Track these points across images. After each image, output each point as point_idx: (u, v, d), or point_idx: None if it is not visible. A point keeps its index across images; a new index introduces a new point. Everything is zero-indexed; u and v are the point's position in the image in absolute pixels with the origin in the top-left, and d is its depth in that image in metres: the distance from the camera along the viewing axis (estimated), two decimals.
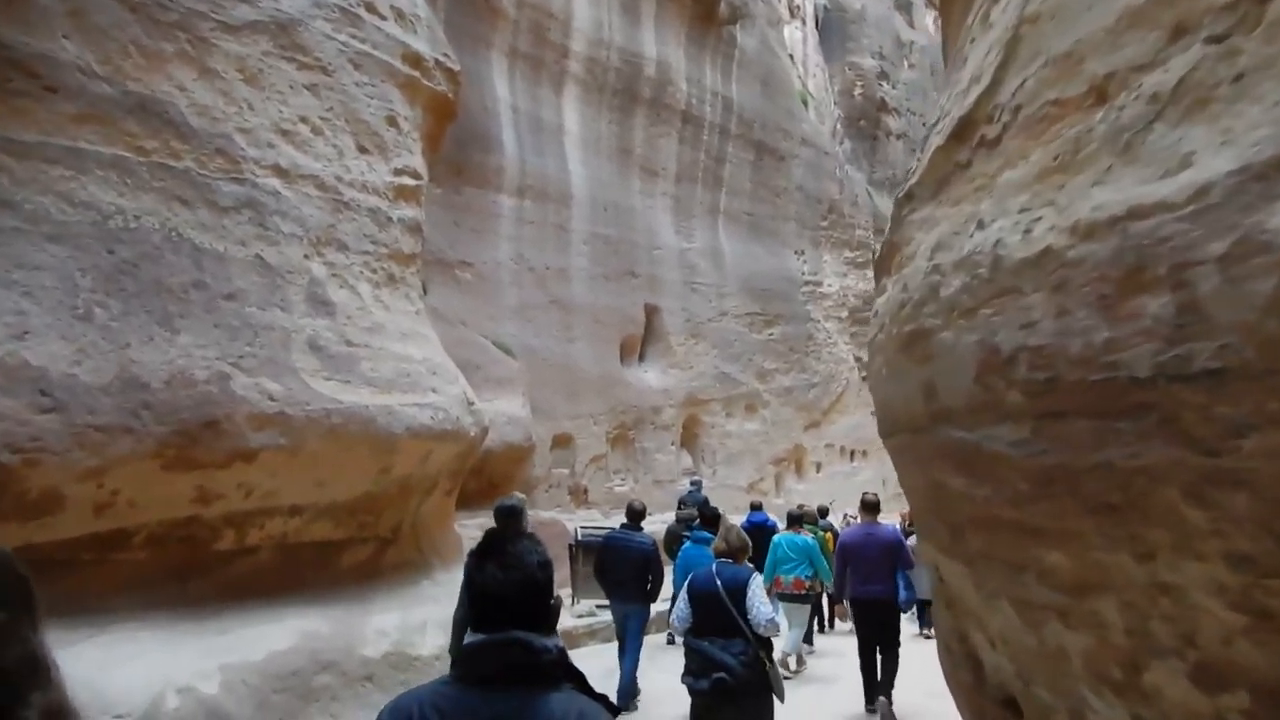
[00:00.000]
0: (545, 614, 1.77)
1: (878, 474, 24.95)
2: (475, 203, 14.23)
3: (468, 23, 14.14)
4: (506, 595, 1.72)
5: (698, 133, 19.52)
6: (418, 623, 6.60)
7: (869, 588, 7.01)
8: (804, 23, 25.70)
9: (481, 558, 1.81)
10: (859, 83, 26.87)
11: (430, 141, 8.44)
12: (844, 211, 24.81)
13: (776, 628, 4.59)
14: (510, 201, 14.94)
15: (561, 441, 15.05)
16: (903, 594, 7.25)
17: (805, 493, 20.85)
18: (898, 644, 7.05)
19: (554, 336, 15.34)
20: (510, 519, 5.58)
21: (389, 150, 7.36)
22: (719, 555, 4.89)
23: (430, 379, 7.17)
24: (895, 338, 2.70)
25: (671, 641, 9.00)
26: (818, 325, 23.11)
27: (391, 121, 7.44)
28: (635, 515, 7.77)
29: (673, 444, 17.85)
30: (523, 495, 6.85)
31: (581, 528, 10.80)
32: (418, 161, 7.83)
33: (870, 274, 25.99)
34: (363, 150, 7.12)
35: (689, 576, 4.89)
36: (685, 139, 19.23)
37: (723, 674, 4.32)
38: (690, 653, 4.59)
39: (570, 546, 10.71)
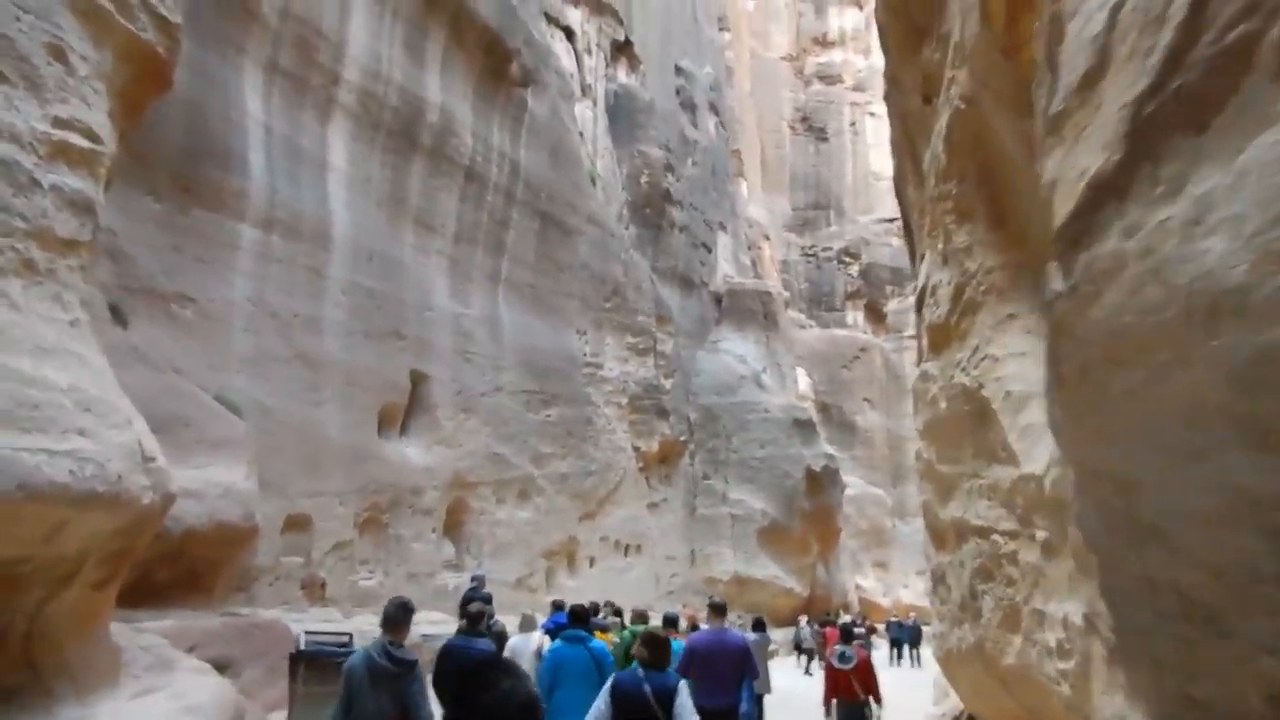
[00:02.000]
0: None
1: (650, 570, 23.84)
2: (205, 228, 11.74)
3: (216, 19, 11.95)
4: None
5: (482, 192, 18.10)
6: None
7: (717, 700, 6.16)
8: (595, 104, 25.44)
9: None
10: (646, 170, 26.89)
11: (126, 107, 6.30)
12: (628, 295, 24.23)
13: None
14: (253, 233, 12.56)
15: (296, 524, 12.44)
16: (745, 705, 6.43)
17: (577, 590, 19.13)
18: None
19: (296, 397, 12.89)
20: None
21: (46, 89, 5.20)
22: (644, 662, 4.76)
23: (77, 417, 4.91)
24: None
25: None
26: (597, 410, 21.95)
27: (57, 54, 5.30)
28: (475, 618, 6.55)
29: (434, 531, 15.60)
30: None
31: (307, 633, 8.40)
32: (98, 120, 5.68)
33: (650, 362, 25.55)
34: None
35: (612, 680, 4.78)
36: (468, 197, 17.72)
37: None
38: None
39: (291, 658, 8.26)
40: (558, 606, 9.60)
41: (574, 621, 6.79)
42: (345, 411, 13.73)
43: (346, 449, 13.60)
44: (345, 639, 8.17)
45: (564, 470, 19.92)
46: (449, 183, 17.17)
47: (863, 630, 21.85)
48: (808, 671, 21.17)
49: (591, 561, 20.94)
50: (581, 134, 24.02)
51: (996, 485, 4.83)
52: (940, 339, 6.04)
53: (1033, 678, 4.22)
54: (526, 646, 8.17)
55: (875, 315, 41.30)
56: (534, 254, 20.02)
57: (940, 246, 6.07)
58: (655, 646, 4.79)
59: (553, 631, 8.31)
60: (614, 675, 4.88)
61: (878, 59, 42.54)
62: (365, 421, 14.20)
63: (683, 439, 26.47)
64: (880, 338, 40.34)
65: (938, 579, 6.71)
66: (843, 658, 8.60)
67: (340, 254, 14.11)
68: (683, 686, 4.71)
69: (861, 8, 43.24)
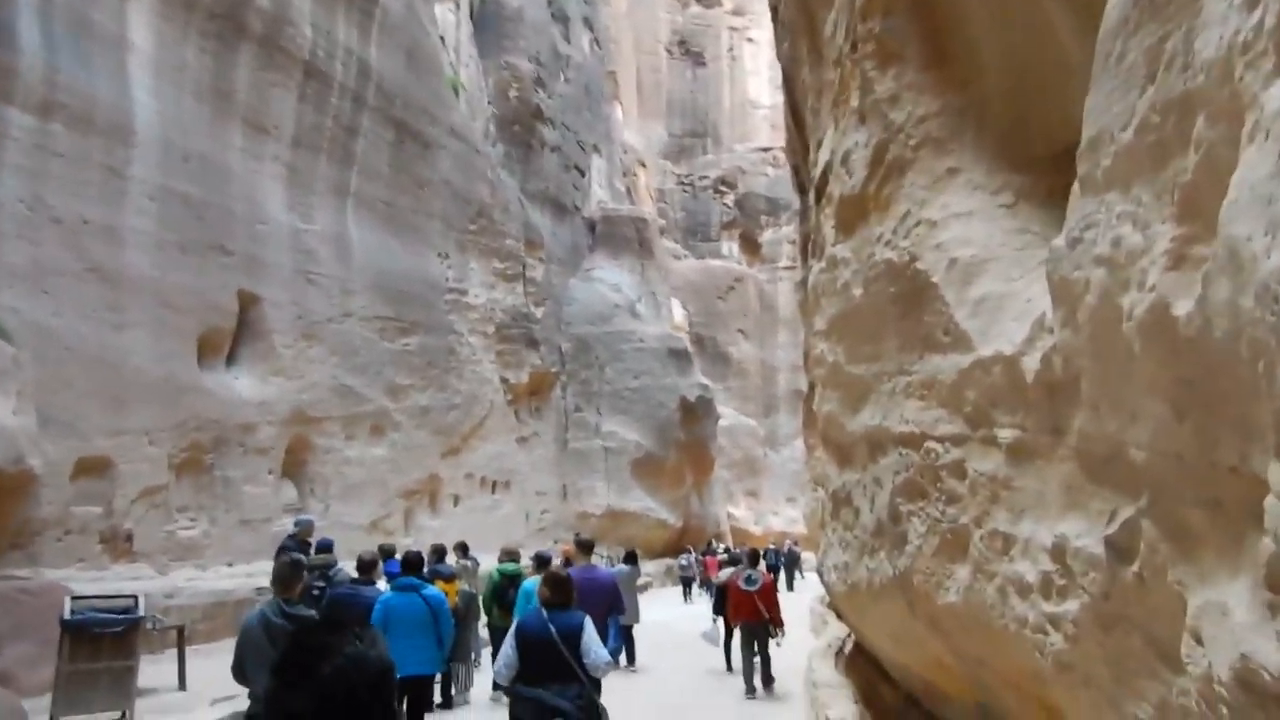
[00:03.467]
0: None
1: (520, 507, 22.74)
2: None
3: None
4: None
5: (324, 93, 15.96)
6: None
7: None
8: (458, 7, 23.21)
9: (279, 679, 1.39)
10: (515, 84, 24.97)
11: None
12: (495, 217, 22.54)
13: (614, 665, 4.88)
14: (24, 119, 10.31)
15: (92, 467, 10.55)
16: (612, 642, 6.51)
17: (439, 530, 17.84)
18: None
19: (90, 318, 10.85)
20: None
21: None
22: (546, 603, 4.70)
23: None
24: None
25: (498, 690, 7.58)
26: (461, 339, 20.39)
27: None
28: (369, 565, 6.70)
29: (271, 472, 13.88)
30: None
31: (74, 598, 6.77)
32: None
33: (519, 289, 24.03)
34: None
35: (517, 623, 4.74)
36: (307, 97, 15.58)
37: (560, 718, 4.33)
38: (521, 701, 4.48)
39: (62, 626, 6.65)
40: (386, 553, 8.31)
41: (406, 569, 6.54)
42: (156, 337, 11.76)
43: (158, 381, 11.68)
44: (129, 603, 6.64)
45: (424, 403, 18.39)
46: (284, 79, 14.98)
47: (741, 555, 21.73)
48: (686, 599, 21.66)
49: (456, 500, 19.63)
50: (443, 39, 21.87)
51: (934, 380, 3.85)
52: (853, 215, 5.02)
53: (986, 621, 3.30)
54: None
55: (750, 246, 40.94)
56: (388, 167, 18.06)
57: (855, 104, 5.00)
58: (558, 585, 4.69)
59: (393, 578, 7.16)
60: (519, 619, 4.85)
61: None
62: (182, 349, 12.25)
63: (554, 370, 25.27)
64: (755, 268, 40.07)
65: (840, 501, 5.83)
66: (749, 580, 9.01)
67: (145, 152, 11.94)
68: (587, 623, 4.66)
69: None
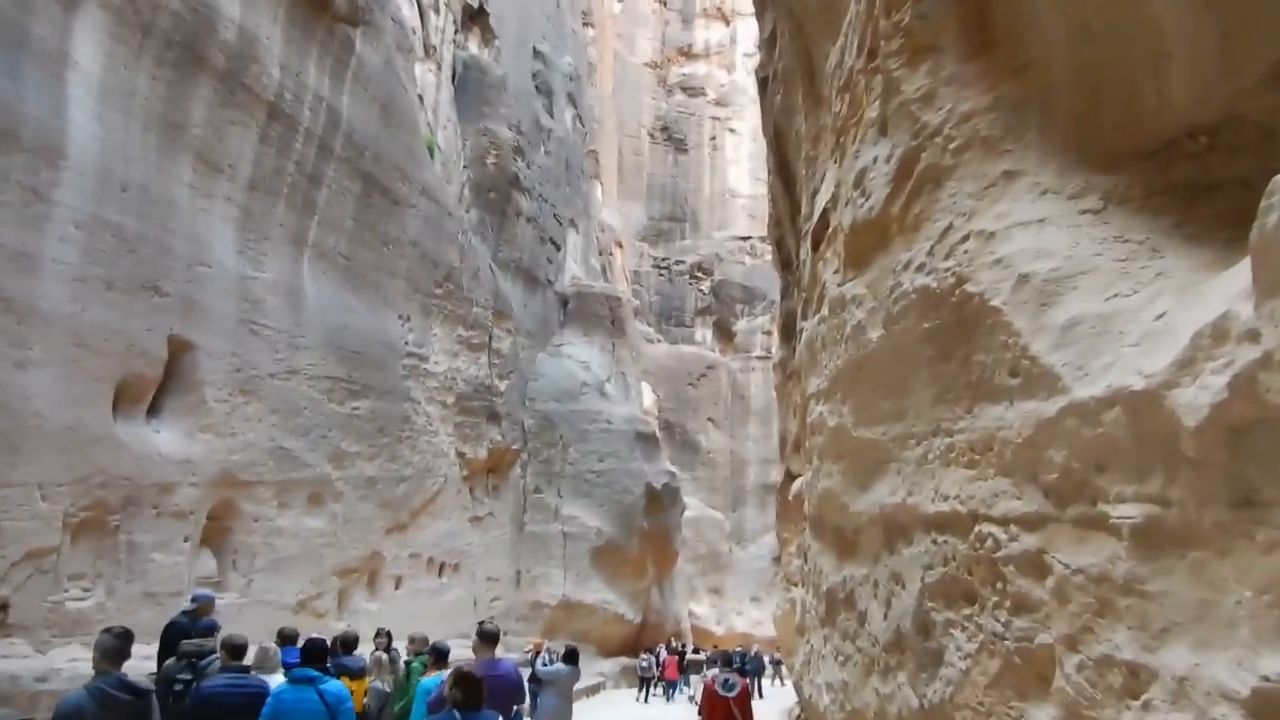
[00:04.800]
0: None
1: (468, 592, 21.13)
2: None
3: None
4: None
5: (288, 136, 15.16)
6: None
7: None
8: (440, 68, 22.83)
9: None
10: (494, 151, 24.47)
11: None
12: (463, 283, 21.64)
13: None
14: None
15: None
16: None
17: (377, 614, 16.28)
18: None
19: None
20: None
21: None
22: (457, 704, 4.35)
23: None
24: None
25: None
26: (417, 407, 19.19)
27: None
28: (239, 649, 5.73)
29: (186, 539, 12.43)
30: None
31: None
32: None
33: (484, 360, 22.94)
34: None
35: None
36: (269, 139, 14.75)
37: None
38: None
39: None
40: (286, 639, 7.01)
41: (307, 659, 5.63)
42: (65, 379, 10.51)
43: (61, 429, 10.37)
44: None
45: (370, 473, 17.05)
46: (245, 118, 14.16)
47: (703, 659, 20.38)
48: (645, 700, 21.01)
49: (398, 582, 18.08)
50: (421, 98, 21.37)
51: (991, 439, 2.85)
52: (869, 244, 4.10)
53: None
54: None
55: (724, 334, 40.37)
56: (352, 220, 17.17)
57: (875, 114, 4.15)
58: (468, 686, 4.42)
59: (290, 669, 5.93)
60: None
61: (741, 76, 42.02)
62: (95, 394, 10.98)
63: (515, 447, 24.00)
64: (728, 357, 39.40)
65: (836, 603, 4.74)
66: (726, 685, 8.50)
67: (76, 176, 10.92)
68: None
69: (728, 23, 42.71)
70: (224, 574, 13.49)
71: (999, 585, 2.66)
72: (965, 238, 3.12)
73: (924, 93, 3.66)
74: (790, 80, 7.88)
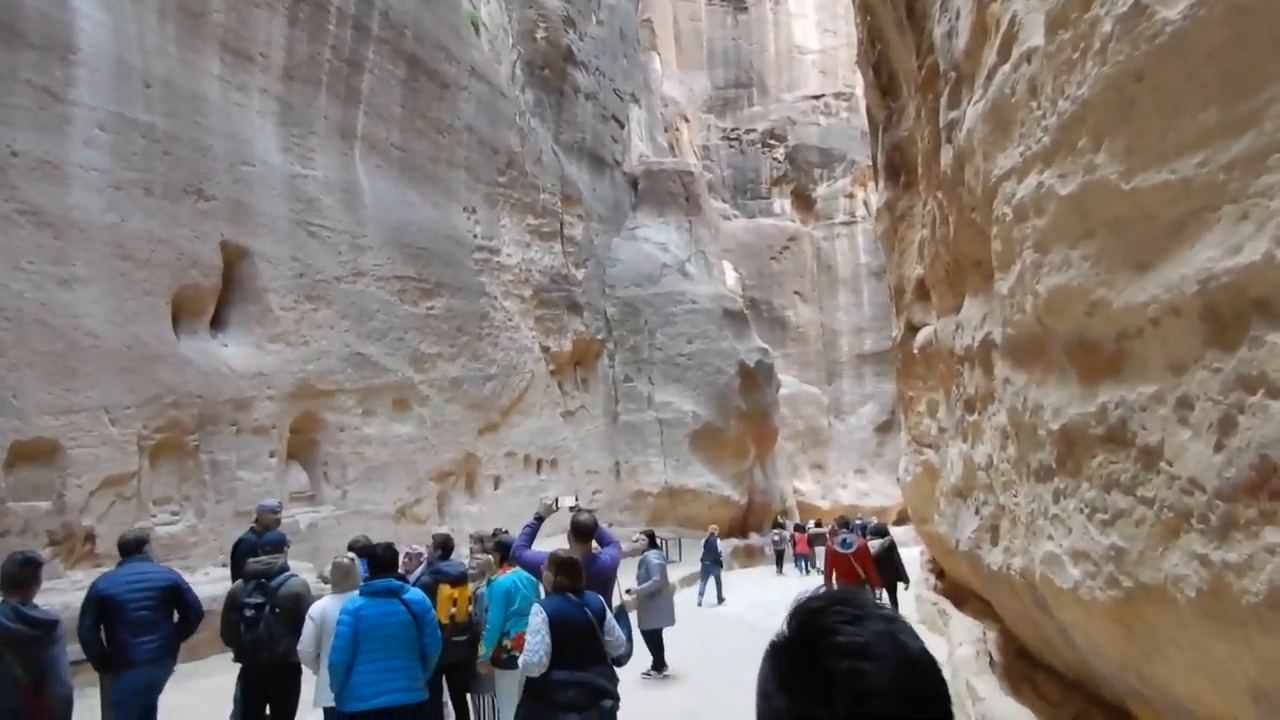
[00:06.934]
0: None
1: (569, 487, 20.58)
2: None
3: None
4: None
5: (319, 18, 13.83)
6: None
7: None
8: None
9: None
10: (542, 24, 22.61)
11: None
12: (526, 169, 20.29)
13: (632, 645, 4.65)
14: None
15: (33, 453, 8.57)
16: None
17: (479, 515, 15.81)
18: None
19: (25, 272, 8.86)
20: None
21: None
22: (563, 590, 4.30)
23: None
24: None
25: None
26: (494, 302, 18.25)
27: None
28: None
29: (272, 454, 11.87)
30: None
31: None
32: None
33: (558, 249, 21.77)
34: None
35: (549, 611, 4.17)
36: (299, 22, 13.45)
37: (611, 699, 4.22)
38: (563, 686, 4.09)
39: None
40: (362, 551, 6.10)
41: (377, 569, 4.97)
42: (114, 295, 9.75)
43: (119, 348, 9.68)
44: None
45: (454, 374, 16.30)
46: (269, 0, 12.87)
47: (824, 531, 19.69)
48: (781, 571, 21.48)
49: (496, 482, 17.56)
50: None
51: None
52: None
53: None
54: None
55: (804, 202, 38.12)
56: (400, 107, 15.91)
57: None
58: (569, 569, 4.32)
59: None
60: (546, 606, 4.28)
61: None
62: (150, 309, 10.23)
63: (600, 337, 23.02)
64: (810, 226, 37.27)
65: (1079, 443, 3.45)
66: (844, 544, 9.78)
67: (91, 73, 9.89)
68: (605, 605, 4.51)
69: None
70: (317, 487, 13.02)
71: None
72: None
73: None
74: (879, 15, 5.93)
